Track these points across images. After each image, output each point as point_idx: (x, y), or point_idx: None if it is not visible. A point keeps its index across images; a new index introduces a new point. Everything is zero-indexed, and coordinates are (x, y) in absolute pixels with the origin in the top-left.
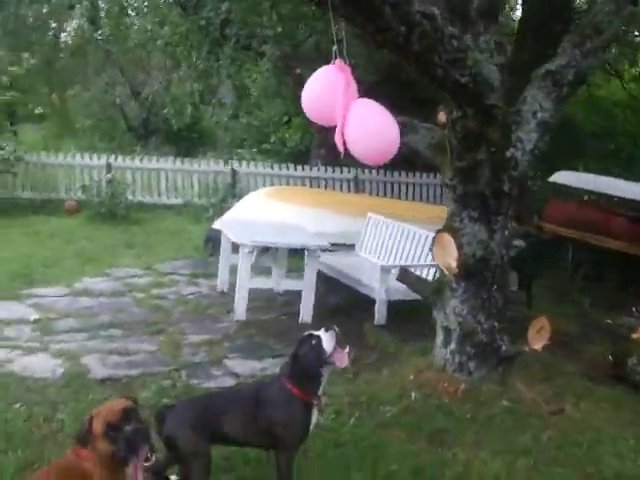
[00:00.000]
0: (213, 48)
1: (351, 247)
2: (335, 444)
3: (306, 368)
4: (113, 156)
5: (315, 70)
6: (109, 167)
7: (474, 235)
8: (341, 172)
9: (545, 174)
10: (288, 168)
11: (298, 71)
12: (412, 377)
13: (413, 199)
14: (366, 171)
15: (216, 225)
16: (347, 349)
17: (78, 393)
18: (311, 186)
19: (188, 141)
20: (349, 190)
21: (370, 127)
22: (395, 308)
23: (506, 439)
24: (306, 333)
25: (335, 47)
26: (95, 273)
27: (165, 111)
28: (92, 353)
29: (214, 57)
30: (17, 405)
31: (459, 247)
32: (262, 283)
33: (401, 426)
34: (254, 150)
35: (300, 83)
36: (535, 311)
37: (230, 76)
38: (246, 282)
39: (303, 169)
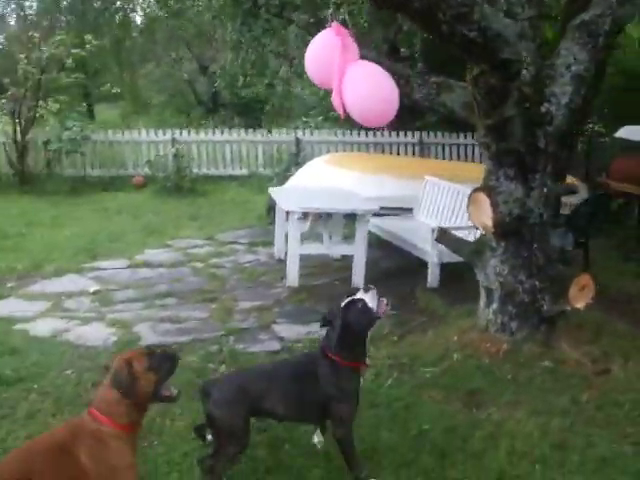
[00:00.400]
0: (246, 19)
1: (410, 211)
2: (370, 405)
3: (358, 334)
4: (178, 131)
5: None
6: (174, 141)
7: (510, 193)
8: (405, 136)
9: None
10: (352, 134)
11: None
12: (456, 338)
13: (480, 161)
14: (431, 134)
15: (271, 193)
16: (385, 300)
17: None
18: (375, 151)
19: (258, 112)
20: (414, 154)
21: (364, 90)
22: (448, 270)
23: (544, 400)
24: (347, 299)
25: (331, 10)
26: (157, 245)
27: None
28: (145, 321)
29: (247, 28)
30: (69, 372)
31: (494, 206)
32: (313, 249)
33: (439, 387)
34: (320, 118)
35: None
36: (594, 269)
37: (265, 45)
38: (297, 248)
39: (367, 135)
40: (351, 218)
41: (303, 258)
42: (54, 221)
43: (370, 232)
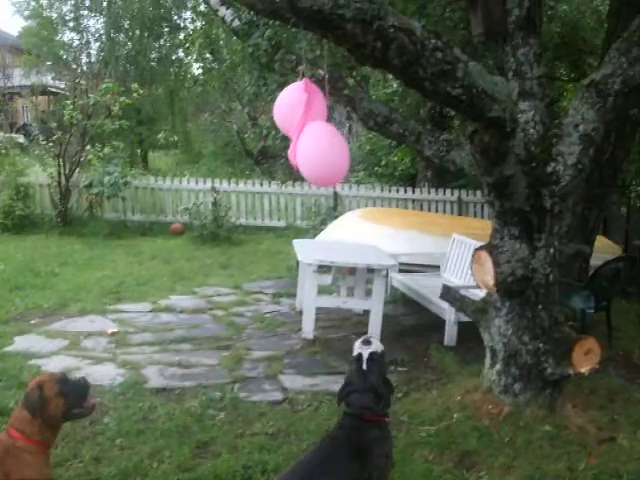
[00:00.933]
0: (262, 72)
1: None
2: None
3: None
4: (218, 180)
5: None
6: (214, 190)
7: (513, 252)
8: (444, 194)
9: None
10: (390, 191)
11: (345, 92)
12: (459, 398)
13: None
14: (470, 193)
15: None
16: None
17: (130, 400)
18: (414, 208)
19: None
20: (452, 212)
21: (313, 153)
22: (468, 329)
23: (539, 465)
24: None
25: (302, 67)
26: (183, 291)
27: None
28: (155, 365)
29: (262, 81)
30: None
31: (496, 264)
32: (330, 302)
33: (432, 446)
34: (360, 173)
35: (351, 102)
36: (617, 334)
37: None
38: (313, 300)
39: (405, 192)
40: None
41: (325, 311)
42: (87, 262)
43: (396, 288)
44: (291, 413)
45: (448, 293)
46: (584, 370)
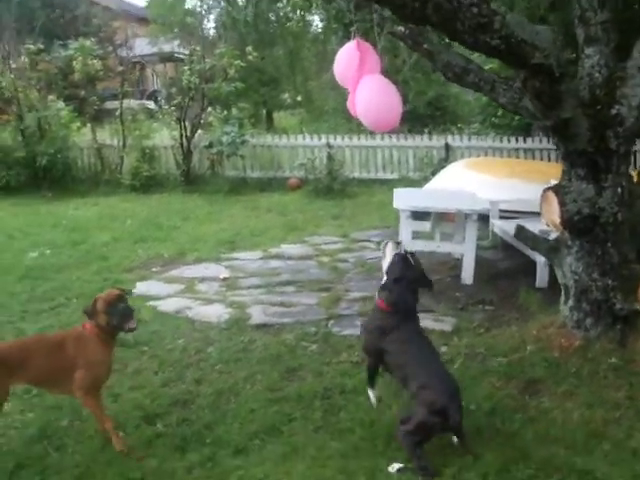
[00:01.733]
0: (345, 33)
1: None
2: None
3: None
4: (332, 136)
5: None
6: (329, 146)
7: (580, 192)
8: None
9: None
10: (502, 141)
11: (425, 46)
12: (535, 332)
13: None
14: None
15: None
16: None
17: (233, 334)
18: (526, 158)
19: (430, 118)
20: None
21: (369, 102)
22: None
23: (600, 393)
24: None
25: (354, 27)
26: (293, 240)
27: None
28: (259, 304)
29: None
30: (180, 340)
31: (561, 204)
32: (424, 246)
33: (501, 374)
34: (476, 125)
35: (430, 55)
36: None
37: None
38: (408, 244)
39: (517, 141)
40: (483, 220)
41: (425, 256)
42: (207, 217)
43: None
44: None
45: (522, 233)
46: None
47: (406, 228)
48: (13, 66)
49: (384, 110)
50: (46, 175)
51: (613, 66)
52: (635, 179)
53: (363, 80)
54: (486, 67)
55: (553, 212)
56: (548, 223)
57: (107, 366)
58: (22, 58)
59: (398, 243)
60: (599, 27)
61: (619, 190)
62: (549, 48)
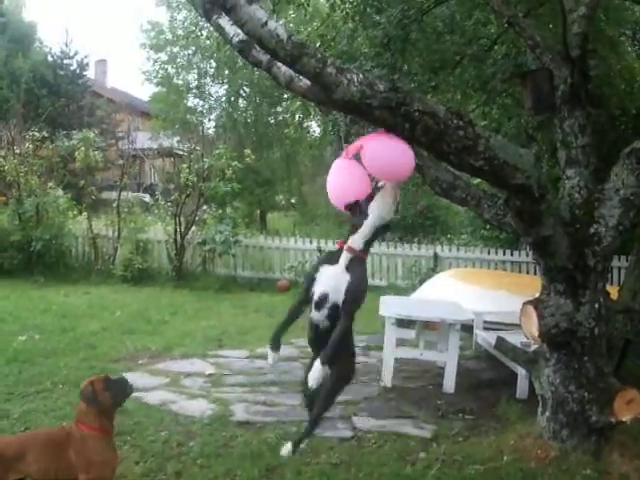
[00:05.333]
0: (340, 144)
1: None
2: None
3: None
4: (323, 240)
5: None
6: (319, 250)
7: (558, 307)
8: None
9: None
10: (489, 253)
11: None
12: (512, 442)
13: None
14: None
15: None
16: None
17: (215, 430)
18: (513, 270)
19: (420, 227)
20: None
21: (378, 152)
22: None
23: None
24: None
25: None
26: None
27: None
28: (242, 402)
29: (340, 152)
30: (162, 433)
31: (540, 317)
32: (407, 354)
33: None
34: (464, 236)
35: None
36: None
37: None
38: (391, 352)
39: (504, 253)
40: (467, 331)
41: (409, 363)
42: (196, 313)
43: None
44: (357, 448)
45: (502, 344)
46: (625, 419)
47: (391, 335)
48: (17, 151)
49: (395, 156)
50: (39, 260)
51: (592, 187)
52: (615, 296)
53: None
54: (475, 181)
55: (532, 325)
56: (527, 335)
57: (114, 462)
58: (26, 144)
59: None
60: (579, 150)
61: (596, 306)
62: (530, 170)
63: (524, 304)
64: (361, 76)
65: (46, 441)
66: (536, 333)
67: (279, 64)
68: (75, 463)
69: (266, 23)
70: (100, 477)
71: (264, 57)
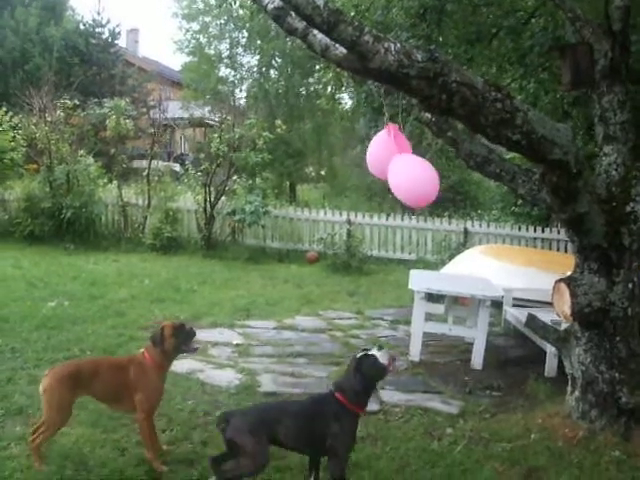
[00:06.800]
0: (374, 115)
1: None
2: (432, 464)
3: (368, 382)
4: (353, 213)
5: None
6: (349, 222)
7: (591, 285)
8: None
9: None
10: (520, 229)
11: (449, 134)
12: (540, 421)
13: None
14: None
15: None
16: (396, 359)
17: (242, 400)
18: (543, 247)
19: (451, 202)
20: None
21: (407, 178)
22: None
23: None
24: (361, 353)
25: (386, 117)
26: (308, 313)
27: None
28: (269, 373)
29: (373, 123)
30: (189, 402)
31: (573, 296)
32: (436, 328)
33: (504, 459)
34: (495, 212)
35: (454, 143)
36: None
37: None
38: (420, 326)
39: (535, 230)
40: (496, 307)
41: (438, 338)
42: (224, 283)
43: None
44: (383, 422)
45: (532, 322)
46: None
47: (420, 309)
48: (48, 119)
49: (422, 185)
50: (69, 228)
51: (630, 165)
52: None
53: (398, 158)
54: (507, 157)
55: (564, 303)
56: (559, 314)
57: (162, 392)
58: (57, 112)
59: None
60: (618, 127)
61: (630, 285)
62: (568, 145)
63: (557, 282)
64: (398, 45)
65: (113, 364)
66: (568, 312)
67: (315, 32)
68: (133, 383)
69: None
70: (149, 398)
71: (300, 25)
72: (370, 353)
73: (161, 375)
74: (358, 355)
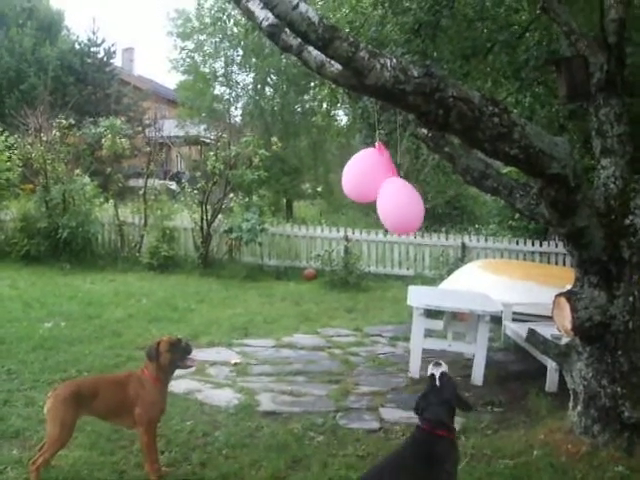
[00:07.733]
0: (369, 132)
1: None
2: None
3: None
4: (350, 229)
5: None
6: (346, 239)
7: (592, 299)
8: None
9: None
10: (517, 243)
11: (446, 149)
12: (542, 437)
13: None
14: None
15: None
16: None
17: (241, 420)
18: (541, 261)
19: (447, 217)
20: None
21: (393, 205)
22: None
23: None
24: (436, 374)
25: (377, 132)
26: (306, 331)
27: None
28: (268, 392)
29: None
30: (188, 422)
31: (573, 310)
32: (435, 344)
33: (507, 477)
34: (492, 226)
35: (451, 159)
36: None
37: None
38: (419, 342)
39: (533, 244)
40: (495, 322)
41: (437, 354)
42: (222, 301)
43: (509, 337)
44: (384, 440)
45: (532, 336)
46: None
47: (419, 325)
48: (44, 139)
49: (406, 213)
50: (66, 247)
51: (628, 177)
52: None
53: (386, 183)
54: (504, 171)
55: (565, 318)
56: (560, 328)
57: (162, 406)
58: (53, 132)
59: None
60: (615, 139)
61: (631, 299)
62: (566, 159)
63: (557, 296)
64: (394, 61)
65: (112, 381)
66: (569, 326)
67: (310, 48)
68: (132, 398)
69: (297, 6)
70: (149, 412)
71: (294, 41)
72: (435, 374)
73: (160, 389)
74: (437, 372)
